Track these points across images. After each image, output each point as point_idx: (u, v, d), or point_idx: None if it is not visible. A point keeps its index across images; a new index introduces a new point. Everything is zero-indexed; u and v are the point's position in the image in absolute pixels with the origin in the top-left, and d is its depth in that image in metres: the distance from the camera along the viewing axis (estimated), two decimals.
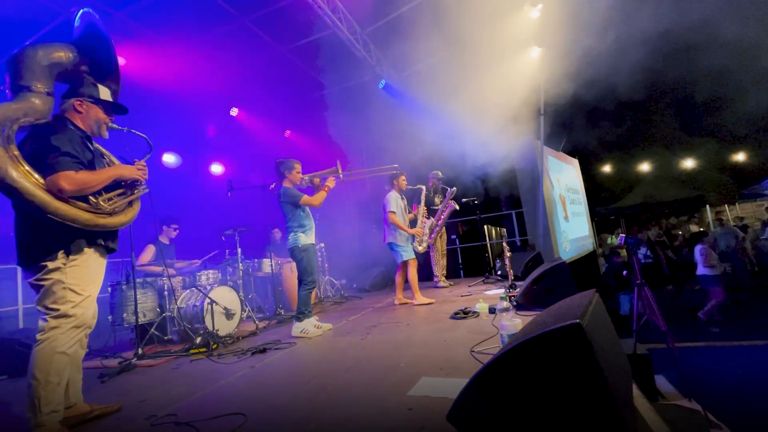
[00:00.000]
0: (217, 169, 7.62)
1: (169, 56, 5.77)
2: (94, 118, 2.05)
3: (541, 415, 1.11)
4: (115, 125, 2.16)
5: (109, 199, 1.96)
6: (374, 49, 6.82)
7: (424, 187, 5.13)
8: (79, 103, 2.01)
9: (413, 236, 4.71)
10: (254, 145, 8.12)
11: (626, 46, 6.27)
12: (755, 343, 5.19)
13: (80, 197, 1.82)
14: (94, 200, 1.88)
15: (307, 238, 3.59)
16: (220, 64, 6.49)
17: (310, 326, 3.42)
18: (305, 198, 3.51)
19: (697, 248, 6.37)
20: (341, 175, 3.81)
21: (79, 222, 1.79)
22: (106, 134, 2.13)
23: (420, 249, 4.75)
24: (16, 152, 1.72)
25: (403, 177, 4.83)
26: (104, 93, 2.11)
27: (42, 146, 1.79)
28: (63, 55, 2.02)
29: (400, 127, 6.76)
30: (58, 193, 1.74)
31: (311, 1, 5.19)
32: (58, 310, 1.77)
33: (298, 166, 3.70)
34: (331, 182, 3.67)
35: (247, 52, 6.43)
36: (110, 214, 1.93)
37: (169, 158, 6.76)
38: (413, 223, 4.85)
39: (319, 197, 3.57)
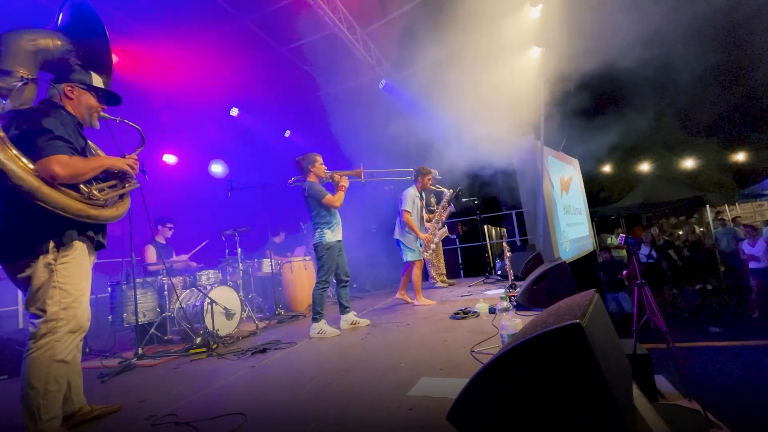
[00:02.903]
0: (217, 169, 7.60)
1: (169, 56, 5.77)
2: (85, 106, 1.93)
3: (542, 415, 1.11)
4: (107, 115, 2.04)
5: (101, 190, 1.83)
6: (374, 49, 6.82)
7: (448, 192, 4.90)
8: (70, 89, 1.89)
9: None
10: (254, 145, 8.12)
11: (626, 46, 6.28)
12: (755, 343, 5.19)
13: (71, 185, 1.70)
14: (87, 189, 1.75)
15: (333, 234, 3.52)
16: (220, 64, 6.48)
17: (327, 327, 3.35)
18: (328, 197, 3.47)
19: None
20: (363, 180, 3.73)
21: (69, 212, 1.67)
22: (97, 124, 2.00)
23: (425, 255, 4.63)
24: (1, 134, 1.60)
25: (430, 176, 4.67)
26: (97, 81, 1.99)
27: (32, 128, 1.66)
28: (50, 42, 1.89)
29: (400, 128, 6.75)
30: (50, 179, 1.61)
31: (311, 1, 5.19)
32: (46, 312, 1.66)
33: (320, 159, 3.63)
34: (345, 181, 3.60)
35: (247, 52, 6.43)
36: (102, 206, 1.82)
37: (170, 158, 6.76)
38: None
39: (339, 198, 3.52)
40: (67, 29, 2.01)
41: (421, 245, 4.53)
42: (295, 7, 5.49)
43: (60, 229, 1.72)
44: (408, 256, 4.49)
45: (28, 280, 1.69)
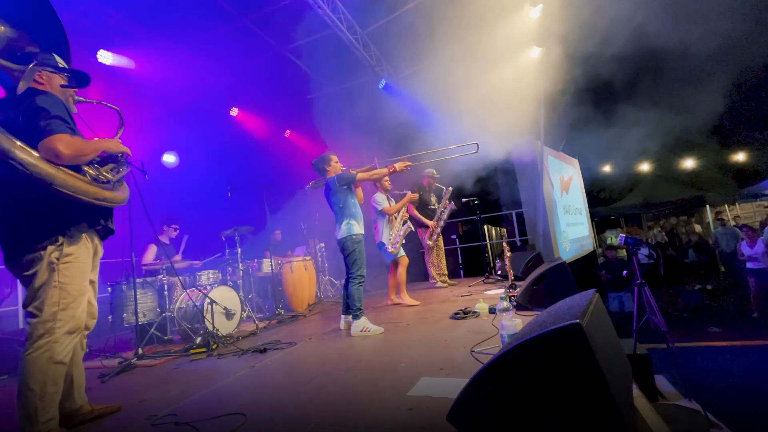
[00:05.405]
0: (170, 159, 7.01)
1: (169, 56, 5.77)
2: (59, 90, 1.84)
3: (541, 415, 1.11)
4: (82, 98, 1.96)
5: (107, 171, 1.80)
6: (374, 49, 6.82)
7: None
8: (38, 73, 1.78)
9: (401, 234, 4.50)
10: (254, 145, 8.12)
11: (626, 46, 6.27)
12: (755, 343, 5.19)
13: (75, 169, 1.65)
14: (94, 172, 1.72)
15: (359, 227, 3.45)
16: (220, 64, 6.49)
17: (370, 324, 3.27)
18: (361, 174, 3.35)
19: None
20: (387, 171, 3.64)
21: (89, 195, 1.63)
22: (74, 108, 1.92)
23: (390, 249, 4.39)
24: None
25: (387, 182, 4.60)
26: (61, 62, 1.89)
27: (27, 108, 1.60)
28: None
29: (400, 128, 6.75)
30: (55, 159, 1.56)
31: (311, 1, 5.19)
32: (42, 312, 1.62)
33: (335, 157, 3.60)
34: (400, 165, 3.54)
35: (247, 52, 6.44)
36: (112, 188, 1.80)
37: (169, 158, 6.75)
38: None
39: (380, 171, 3.44)
40: (2, 13, 1.79)
41: (383, 246, 4.40)
42: (295, 7, 5.49)
43: (67, 223, 1.69)
44: (388, 258, 4.44)
45: (30, 279, 1.66)
